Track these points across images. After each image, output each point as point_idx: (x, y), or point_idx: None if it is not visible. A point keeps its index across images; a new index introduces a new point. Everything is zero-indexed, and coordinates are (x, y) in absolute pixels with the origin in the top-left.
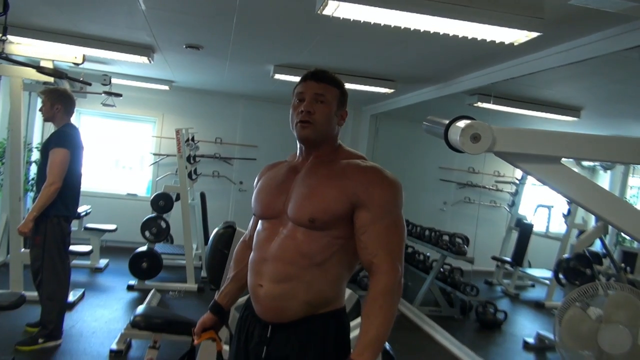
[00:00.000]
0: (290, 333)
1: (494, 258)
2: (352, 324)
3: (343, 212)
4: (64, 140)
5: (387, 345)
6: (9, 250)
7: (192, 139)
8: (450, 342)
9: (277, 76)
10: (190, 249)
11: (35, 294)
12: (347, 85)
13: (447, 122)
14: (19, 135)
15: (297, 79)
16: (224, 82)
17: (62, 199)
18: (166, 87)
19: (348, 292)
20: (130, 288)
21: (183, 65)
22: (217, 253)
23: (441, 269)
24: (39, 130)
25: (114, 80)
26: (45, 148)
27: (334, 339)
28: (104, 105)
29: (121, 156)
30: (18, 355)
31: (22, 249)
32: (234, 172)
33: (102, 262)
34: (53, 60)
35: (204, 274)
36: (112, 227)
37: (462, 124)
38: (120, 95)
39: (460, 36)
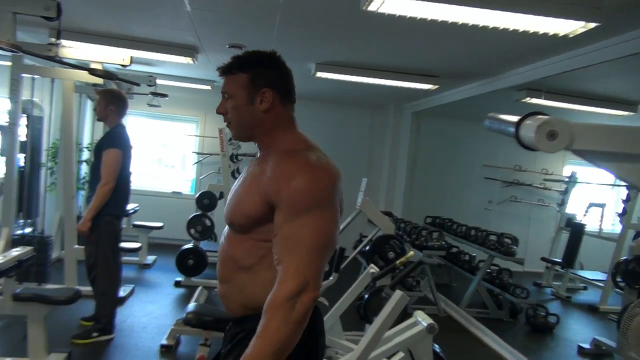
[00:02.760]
0: (235, 327)
1: (543, 259)
2: (401, 326)
3: (260, 214)
4: (117, 140)
5: (436, 347)
6: (63, 246)
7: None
8: (500, 346)
9: (319, 74)
10: None
11: (88, 288)
12: (389, 82)
13: (516, 118)
14: (71, 136)
15: (339, 76)
16: None
17: (114, 197)
18: (208, 87)
19: (399, 293)
20: (177, 284)
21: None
22: None
23: (488, 270)
24: (88, 130)
25: (158, 81)
26: (99, 148)
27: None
28: (150, 105)
29: (164, 155)
30: (74, 348)
31: (76, 245)
32: None
33: (150, 258)
34: (102, 63)
35: None
36: (159, 224)
37: (535, 120)
38: (166, 96)
39: (511, 29)
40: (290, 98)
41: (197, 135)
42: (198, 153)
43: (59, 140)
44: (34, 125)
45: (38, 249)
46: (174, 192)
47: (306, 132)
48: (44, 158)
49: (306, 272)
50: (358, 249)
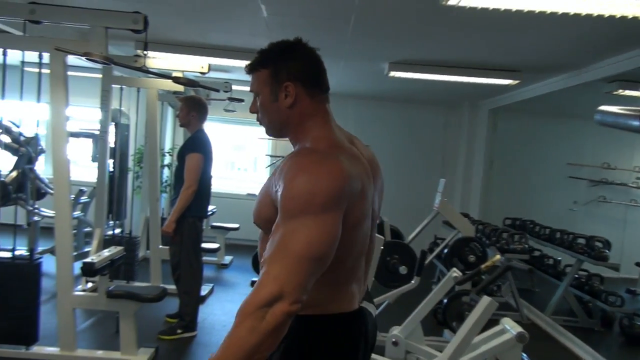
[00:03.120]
0: None
1: (638, 264)
2: (487, 333)
3: (271, 215)
4: (198, 145)
5: (524, 356)
6: (148, 246)
7: None
8: (592, 357)
9: (392, 73)
10: None
11: (172, 286)
12: (467, 79)
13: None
14: (155, 141)
15: (412, 75)
16: (336, 83)
17: (196, 200)
18: None
19: (487, 299)
20: (253, 284)
21: None
22: None
23: (576, 275)
24: (170, 136)
25: (233, 87)
26: (182, 153)
27: (288, 342)
28: (226, 110)
29: (237, 158)
30: (160, 343)
31: (161, 246)
32: None
33: (227, 258)
34: (183, 71)
35: None
36: (235, 225)
37: None
38: (242, 101)
39: (606, 15)
40: (318, 87)
41: (270, 138)
42: (271, 156)
43: (143, 146)
44: (122, 133)
45: (126, 248)
46: (249, 194)
47: (377, 132)
48: (130, 163)
49: (284, 281)
50: (435, 252)
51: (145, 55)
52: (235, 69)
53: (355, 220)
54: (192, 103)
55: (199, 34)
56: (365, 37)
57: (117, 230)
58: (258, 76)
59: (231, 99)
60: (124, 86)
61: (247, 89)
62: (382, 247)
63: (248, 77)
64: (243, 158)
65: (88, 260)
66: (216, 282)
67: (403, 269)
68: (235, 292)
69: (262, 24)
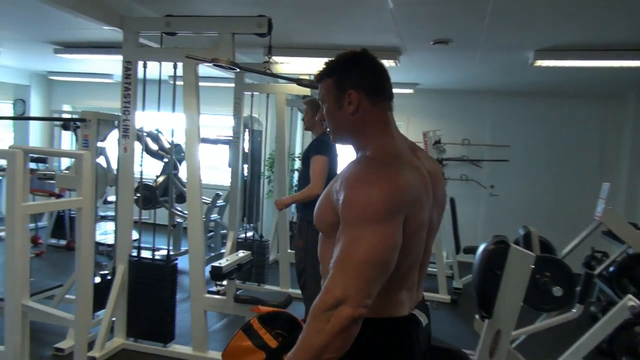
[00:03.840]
0: None
1: None
2: None
3: (333, 222)
4: (323, 148)
5: None
6: (279, 249)
7: (439, 142)
8: None
9: (539, 62)
10: (441, 256)
11: (299, 291)
12: (633, 64)
13: None
14: (284, 146)
15: (564, 63)
16: (471, 78)
17: None
18: (410, 91)
19: None
20: None
21: (429, 65)
22: (487, 274)
23: None
24: (299, 141)
25: None
26: (306, 156)
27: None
28: None
29: None
30: None
31: (289, 250)
32: (483, 175)
33: None
34: (309, 74)
35: (455, 284)
36: None
37: None
38: None
39: None
40: (381, 95)
41: None
42: None
43: (274, 151)
44: (255, 139)
45: (257, 251)
46: None
47: (518, 130)
48: (263, 168)
49: (347, 286)
50: (598, 269)
51: (269, 58)
52: None
53: (412, 229)
54: (316, 105)
55: (323, 35)
56: (506, 23)
57: (250, 234)
58: (324, 85)
59: None
60: (255, 93)
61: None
62: (532, 266)
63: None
64: None
65: (216, 264)
66: None
67: (557, 290)
68: None
69: (387, 17)
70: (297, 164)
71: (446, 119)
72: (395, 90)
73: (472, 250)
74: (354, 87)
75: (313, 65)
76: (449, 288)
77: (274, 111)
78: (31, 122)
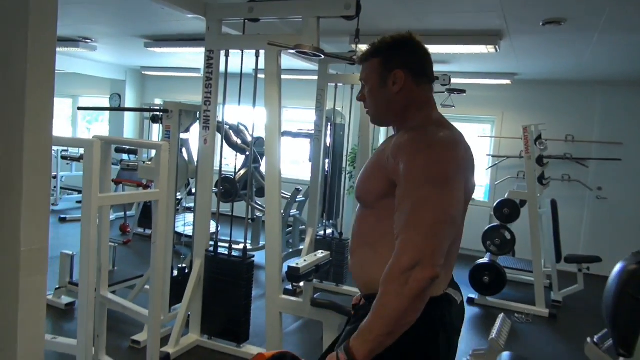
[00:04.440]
0: (363, 308)
1: None
2: None
3: (382, 191)
4: None
5: None
6: None
7: (540, 137)
8: None
9: None
10: (539, 265)
11: None
12: None
13: None
14: (367, 140)
15: None
16: (580, 66)
17: None
18: (507, 81)
19: None
20: (470, 302)
21: (534, 50)
22: (625, 299)
23: None
24: (383, 136)
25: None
26: None
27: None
28: (443, 106)
29: None
30: None
31: None
32: (589, 175)
33: None
34: None
35: (554, 296)
36: None
37: None
38: (464, 92)
39: None
40: (425, 77)
41: (492, 137)
42: (493, 156)
43: (357, 146)
44: (338, 133)
45: (336, 250)
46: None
47: (634, 126)
48: (345, 163)
49: (422, 247)
50: None
51: (356, 43)
52: (454, 59)
53: (462, 196)
54: None
55: (415, 18)
56: None
57: (329, 231)
58: (369, 65)
59: (451, 90)
60: (339, 84)
61: (466, 81)
62: None
63: (468, 68)
64: None
65: (293, 265)
66: None
67: None
68: None
69: None
70: None
71: (547, 113)
72: (489, 82)
73: (575, 259)
74: (401, 67)
75: None
76: (546, 300)
77: (358, 103)
78: (125, 115)
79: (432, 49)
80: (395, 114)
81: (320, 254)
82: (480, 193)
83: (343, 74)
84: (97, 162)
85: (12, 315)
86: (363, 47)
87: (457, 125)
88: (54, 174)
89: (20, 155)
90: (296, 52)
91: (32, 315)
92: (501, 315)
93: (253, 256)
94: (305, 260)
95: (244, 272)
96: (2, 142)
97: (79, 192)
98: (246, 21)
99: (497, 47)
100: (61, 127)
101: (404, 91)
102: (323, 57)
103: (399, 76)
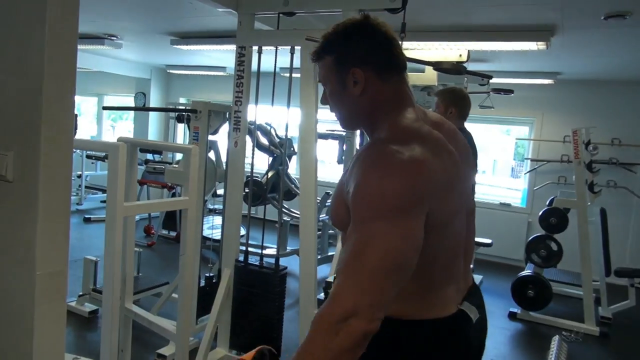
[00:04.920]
0: None
1: None
2: None
3: (345, 217)
4: None
5: None
6: None
7: (589, 142)
8: None
9: None
10: (589, 279)
11: None
12: None
13: None
14: None
15: None
16: (633, 65)
17: None
18: (550, 81)
19: None
20: (512, 316)
21: (587, 47)
22: None
23: None
24: None
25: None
26: None
27: (372, 349)
28: (481, 107)
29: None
30: None
31: None
32: (637, 181)
33: (477, 277)
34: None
35: (603, 312)
36: (486, 241)
37: None
38: (512, 92)
39: None
40: (391, 70)
41: (530, 139)
42: (533, 159)
43: None
44: None
45: None
46: (501, 204)
47: None
48: None
49: (359, 297)
50: None
51: (402, 39)
52: (494, 57)
53: (444, 219)
54: (451, 97)
55: (463, 11)
56: None
57: None
58: (324, 64)
59: (497, 90)
60: None
61: (507, 80)
62: None
63: (509, 67)
64: (486, 161)
65: (330, 279)
66: None
67: None
68: (489, 324)
69: None
70: None
71: (591, 115)
72: (531, 81)
73: (627, 273)
74: (357, 64)
75: (443, 51)
76: (596, 317)
77: None
78: (150, 114)
79: (476, 46)
80: (362, 118)
81: None
82: (517, 199)
83: None
84: (122, 168)
85: (26, 348)
86: (415, 43)
87: (494, 127)
88: (78, 173)
89: (37, 166)
90: None
91: (49, 348)
92: (556, 339)
93: (286, 268)
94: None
95: (277, 285)
96: (18, 152)
97: (104, 191)
98: (280, 15)
99: (547, 43)
100: (87, 125)
101: (368, 92)
102: None
103: (357, 75)
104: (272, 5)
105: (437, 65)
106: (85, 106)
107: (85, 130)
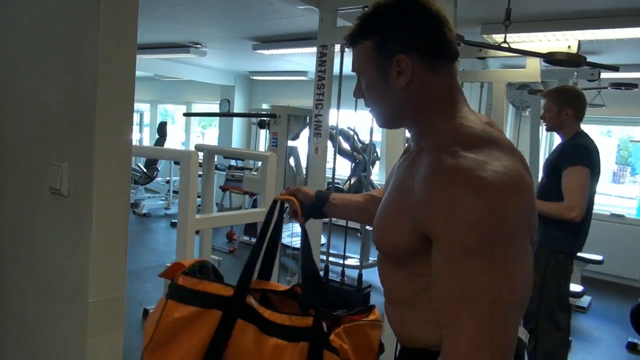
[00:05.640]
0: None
1: None
2: None
3: (411, 247)
4: (583, 156)
5: None
6: None
7: None
8: None
9: None
10: None
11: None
12: None
13: None
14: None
15: None
16: None
17: (573, 230)
18: None
19: None
20: (631, 347)
21: None
22: None
23: None
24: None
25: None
26: (555, 165)
27: None
28: (591, 105)
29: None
30: None
31: None
32: None
33: (585, 299)
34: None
35: None
36: (597, 257)
37: None
38: (635, 87)
39: None
40: (444, 57)
41: None
42: None
43: None
44: None
45: None
46: (612, 215)
47: None
48: None
49: (488, 345)
50: None
51: (507, 26)
52: (609, 47)
53: (532, 239)
54: (565, 97)
55: None
56: None
57: None
58: (360, 51)
59: (617, 85)
60: (465, 82)
61: (619, 75)
62: None
63: (626, 59)
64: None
65: None
66: (571, 332)
67: None
68: (597, 350)
69: None
70: None
71: None
72: None
73: None
74: (405, 50)
75: (550, 43)
76: None
77: (478, 104)
78: (234, 121)
79: (590, 35)
80: (407, 115)
81: None
82: (631, 209)
83: (469, 70)
84: (194, 177)
85: None
86: (498, 39)
87: (604, 128)
88: (167, 178)
89: (90, 179)
90: None
91: None
92: None
93: (370, 286)
94: None
95: (359, 306)
96: (73, 163)
97: None
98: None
99: None
100: (179, 132)
101: (416, 84)
102: (461, 45)
103: (403, 64)
104: None
105: (550, 57)
106: (178, 114)
107: (177, 137)
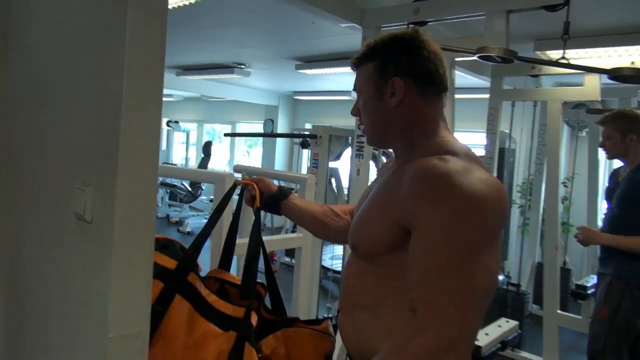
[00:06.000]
0: None
1: None
2: None
3: (388, 240)
4: None
5: None
6: (535, 299)
7: None
8: None
9: None
10: None
11: None
12: None
13: None
14: (556, 170)
15: None
16: None
17: None
18: None
19: None
20: None
21: None
22: None
23: None
24: (563, 163)
25: None
26: (630, 197)
27: None
28: None
29: None
30: None
31: (559, 311)
32: None
33: None
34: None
35: None
36: None
37: None
38: None
39: None
40: (433, 87)
41: None
42: None
43: (532, 174)
44: (507, 159)
45: (512, 306)
46: None
47: None
48: (514, 195)
49: (464, 324)
50: None
51: (565, 40)
52: None
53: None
54: (628, 122)
55: (634, 10)
56: None
57: (500, 277)
58: (362, 71)
59: None
60: (516, 102)
61: None
62: None
63: None
64: None
65: (476, 343)
66: None
67: None
68: None
69: None
70: (562, 191)
71: None
72: None
73: None
74: (400, 74)
75: (611, 59)
76: None
77: (530, 124)
78: (277, 141)
79: None
80: (395, 134)
81: (506, 324)
82: None
83: (522, 88)
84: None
85: None
86: (553, 54)
87: None
88: (210, 197)
89: (112, 204)
90: (478, 58)
91: None
92: None
93: None
94: (486, 334)
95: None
96: (98, 187)
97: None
98: (410, 26)
99: None
100: (225, 151)
101: (405, 105)
102: (514, 62)
103: (397, 85)
104: (400, 16)
105: (616, 73)
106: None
107: (223, 155)
